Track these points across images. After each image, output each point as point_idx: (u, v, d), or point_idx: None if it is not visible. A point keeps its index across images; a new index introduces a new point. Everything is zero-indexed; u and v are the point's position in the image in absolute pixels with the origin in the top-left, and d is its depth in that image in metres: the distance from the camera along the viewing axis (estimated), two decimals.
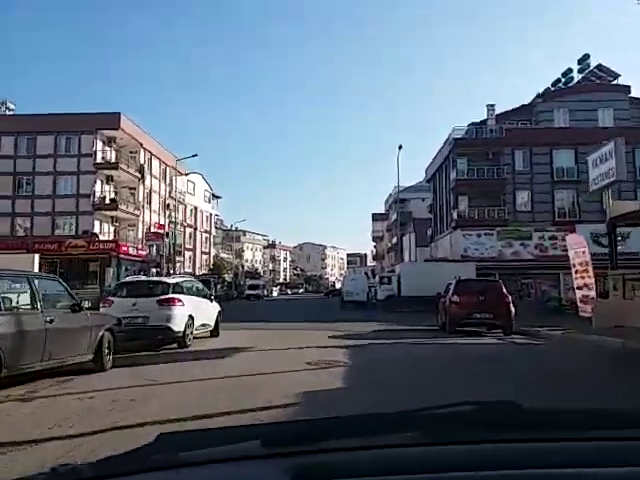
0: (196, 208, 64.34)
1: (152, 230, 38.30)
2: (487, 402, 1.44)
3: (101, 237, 39.76)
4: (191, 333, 11.21)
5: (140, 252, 40.96)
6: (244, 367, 8.17)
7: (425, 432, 1.22)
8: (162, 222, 49.32)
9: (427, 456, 1.08)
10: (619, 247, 31.24)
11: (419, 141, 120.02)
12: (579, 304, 16.72)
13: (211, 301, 13.27)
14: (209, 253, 69.32)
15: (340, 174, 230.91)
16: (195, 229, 64.26)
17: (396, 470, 1.01)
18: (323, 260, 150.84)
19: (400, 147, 35.23)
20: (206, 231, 68.52)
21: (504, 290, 15.27)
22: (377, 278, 32.15)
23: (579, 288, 17.01)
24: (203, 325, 12.26)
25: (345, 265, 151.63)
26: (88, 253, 38.23)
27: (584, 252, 16.84)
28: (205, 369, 8.13)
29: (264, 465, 1.07)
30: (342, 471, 1.02)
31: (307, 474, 1.00)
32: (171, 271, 51.19)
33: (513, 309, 14.45)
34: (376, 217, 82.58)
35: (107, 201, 39.56)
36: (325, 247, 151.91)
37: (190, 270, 60.62)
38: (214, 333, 13.31)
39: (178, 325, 10.69)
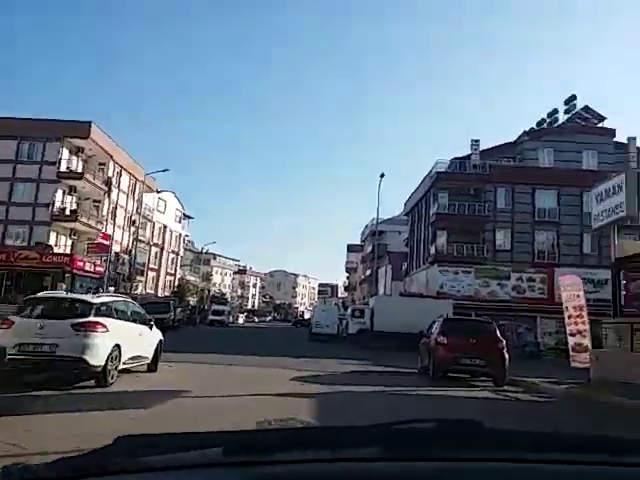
0: (165, 227, 61.80)
1: (96, 240, 35.23)
2: (449, 420, 1.44)
3: (56, 250, 36.93)
4: (115, 368, 8.98)
5: (97, 268, 38.16)
6: (158, 426, 5.95)
7: (388, 447, 1.23)
8: (126, 239, 46.70)
9: (389, 471, 1.09)
10: (594, 294, 30.56)
11: (399, 176, 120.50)
12: (571, 352, 15.10)
13: (150, 328, 11.03)
14: (174, 274, 66.39)
15: (316, 203, 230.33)
16: (162, 249, 61.57)
17: None
18: (294, 289, 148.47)
19: (382, 175, 33.92)
20: (174, 252, 65.85)
21: (497, 333, 13.43)
22: (349, 310, 30.15)
23: (572, 335, 15.41)
24: (136, 358, 10.02)
25: (316, 295, 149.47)
26: (40, 266, 35.33)
27: (579, 295, 15.30)
28: (96, 424, 5.90)
29: (225, 473, 1.07)
30: None
31: None
32: (132, 291, 48.60)
33: (507, 356, 12.55)
34: (351, 248, 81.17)
35: (67, 212, 36.95)
36: (297, 276, 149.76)
37: (152, 291, 57.78)
38: (151, 367, 11.09)
39: (96, 357, 8.49)
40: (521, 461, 1.16)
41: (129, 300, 11.67)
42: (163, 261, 62.04)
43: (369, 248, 63.22)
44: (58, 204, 36.91)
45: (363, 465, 1.11)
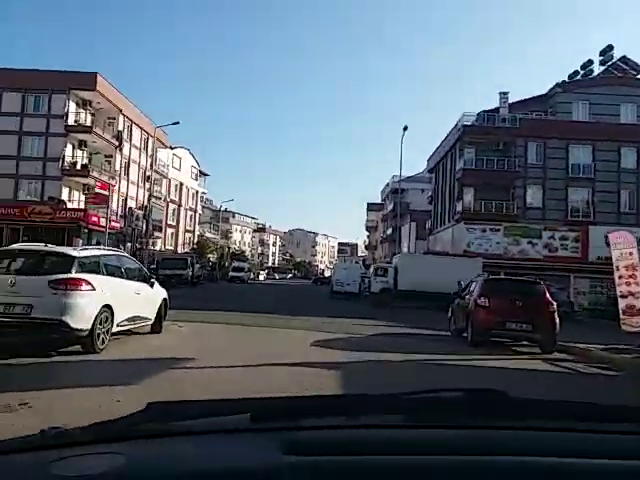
0: (181, 184, 60.65)
1: (95, 191, 33.91)
2: (474, 389, 1.43)
3: (70, 205, 36.04)
4: (107, 332, 7.77)
5: (113, 224, 37.27)
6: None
7: (412, 415, 1.25)
8: (141, 195, 45.65)
9: (412, 438, 1.10)
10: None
11: (421, 131, 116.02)
12: (622, 315, 13.62)
13: (151, 285, 9.79)
14: (193, 232, 65.65)
15: (337, 161, 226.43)
16: (179, 206, 60.63)
17: (383, 450, 1.02)
18: (313, 247, 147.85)
19: (405, 128, 31.83)
20: (191, 209, 64.92)
21: (547, 295, 11.87)
22: (372, 269, 28.81)
23: (623, 296, 13.85)
24: (134, 319, 8.80)
25: (336, 254, 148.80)
26: (54, 221, 34.53)
27: (632, 254, 13.64)
28: (71, 404, 4.72)
29: (253, 439, 1.08)
30: (330, 449, 1.02)
31: (295, 450, 0.99)
32: (150, 247, 47.96)
33: (558, 320, 11.05)
34: (371, 207, 79.31)
35: (78, 167, 35.78)
36: (316, 234, 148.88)
37: (172, 248, 57.22)
38: (155, 328, 9.93)
39: (81, 320, 7.24)
40: (545, 429, 1.16)
41: (124, 254, 10.37)
42: (181, 218, 61.24)
43: (390, 206, 61.42)
44: (68, 159, 35.76)
45: (388, 432, 1.14)
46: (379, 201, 74.22)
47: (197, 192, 67.15)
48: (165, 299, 10.32)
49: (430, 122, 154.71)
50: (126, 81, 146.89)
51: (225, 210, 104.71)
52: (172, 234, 59.50)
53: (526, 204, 35.30)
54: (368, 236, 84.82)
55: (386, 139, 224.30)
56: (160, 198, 52.95)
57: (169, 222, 58.10)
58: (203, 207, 76.52)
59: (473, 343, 11.26)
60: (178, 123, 33.56)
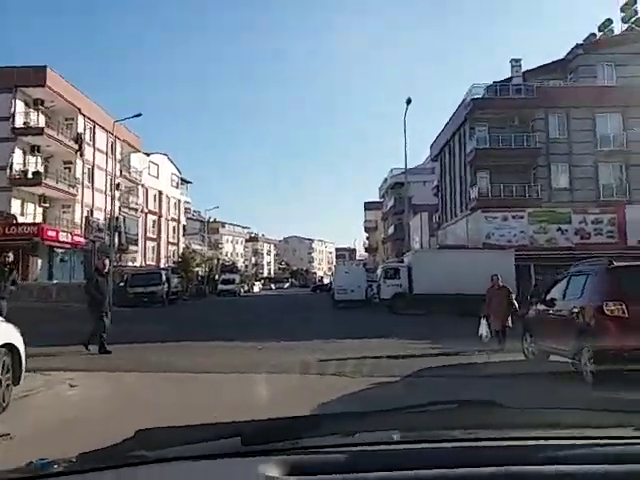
0: (161, 193, 55.73)
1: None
2: (469, 401, 1.41)
3: (23, 220, 30.94)
4: None
5: (76, 238, 32.18)
6: None
7: (408, 430, 1.24)
8: (109, 204, 40.56)
9: (408, 454, 1.08)
10: None
11: (420, 120, 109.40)
12: None
13: None
14: (177, 244, 60.59)
15: (327, 163, 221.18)
16: (160, 216, 55.64)
17: (378, 467, 1.00)
18: (310, 254, 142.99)
19: (409, 101, 26.85)
20: (174, 219, 59.94)
21: None
22: (380, 271, 23.93)
23: None
24: None
25: (334, 259, 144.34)
26: (3, 239, 29.44)
27: None
28: None
29: (245, 463, 1.06)
30: (324, 468, 1.01)
31: (289, 472, 0.99)
32: (124, 263, 42.87)
33: None
34: (369, 206, 74.55)
35: (30, 175, 30.69)
36: (312, 241, 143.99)
37: (153, 263, 52.19)
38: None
39: None
40: (540, 438, 1.15)
41: None
42: (162, 230, 56.22)
43: (390, 202, 56.65)
44: (18, 166, 30.71)
45: (383, 449, 1.11)
46: (377, 199, 69.33)
47: (179, 201, 62.26)
48: (12, 345, 5.37)
49: (429, 108, 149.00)
50: (94, 82, 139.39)
51: (214, 220, 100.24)
52: (153, 247, 54.55)
53: (551, 185, 30.53)
54: (367, 237, 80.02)
55: (379, 138, 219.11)
56: (136, 209, 48.00)
57: (149, 235, 53.18)
58: (189, 218, 71.67)
59: (596, 379, 6.40)
60: (140, 115, 28.53)
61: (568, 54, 33.30)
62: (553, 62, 33.57)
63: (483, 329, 10.19)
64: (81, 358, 9.19)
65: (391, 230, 55.56)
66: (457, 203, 35.53)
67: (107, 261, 11.65)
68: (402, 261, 25.07)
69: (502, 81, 32.13)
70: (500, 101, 31.06)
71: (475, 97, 31.06)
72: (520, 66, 32.46)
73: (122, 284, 29.33)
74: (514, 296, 10.64)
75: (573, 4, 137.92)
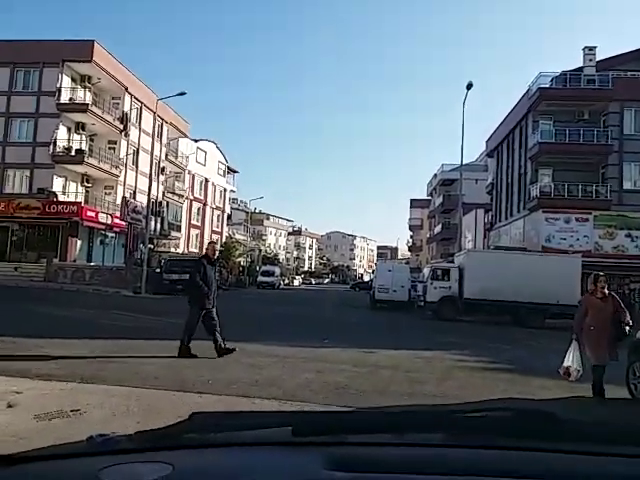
0: (207, 180, 55.10)
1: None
2: (525, 410, 1.38)
3: (64, 198, 30.61)
4: None
5: (117, 221, 31.63)
6: None
7: (456, 433, 1.21)
8: (154, 189, 40.08)
9: (455, 457, 1.07)
10: None
11: (474, 117, 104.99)
12: None
13: None
14: (221, 233, 60.01)
15: (377, 159, 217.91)
16: (205, 204, 55.12)
17: (425, 469, 1.00)
18: (352, 250, 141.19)
19: (469, 86, 24.60)
20: (218, 208, 59.30)
21: None
22: (426, 271, 21.96)
23: None
24: None
25: (375, 257, 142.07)
26: (43, 217, 29.25)
27: None
28: None
29: (295, 453, 1.08)
30: (372, 466, 1.01)
31: (337, 466, 0.98)
32: (165, 249, 42.46)
33: None
34: (415, 203, 71.92)
35: (72, 153, 30.27)
36: (354, 237, 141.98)
37: (196, 250, 51.74)
38: None
39: None
40: (596, 454, 1.10)
41: None
42: (207, 218, 55.74)
43: (438, 200, 54.11)
44: (62, 143, 30.32)
45: (431, 450, 1.10)
46: (424, 196, 66.74)
47: (225, 190, 61.57)
48: None
49: (485, 105, 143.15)
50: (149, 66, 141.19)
51: (259, 212, 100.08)
52: (196, 235, 54.11)
53: (622, 186, 27.66)
54: (412, 236, 77.43)
55: (430, 135, 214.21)
56: (181, 195, 47.53)
57: (193, 222, 52.75)
58: (234, 208, 71.28)
59: None
60: (185, 94, 27.30)
61: None
62: (630, 52, 30.48)
63: (573, 360, 6.31)
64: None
65: (438, 229, 53.12)
66: (514, 202, 33.00)
67: (217, 246, 9.39)
68: (452, 261, 23.03)
69: (572, 70, 29.36)
70: (570, 92, 28.32)
71: (542, 86, 28.45)
72: (594, 54, 29.56)
73: (158, 270, 28.50)
74: (627, 315, 6.47)
75: None
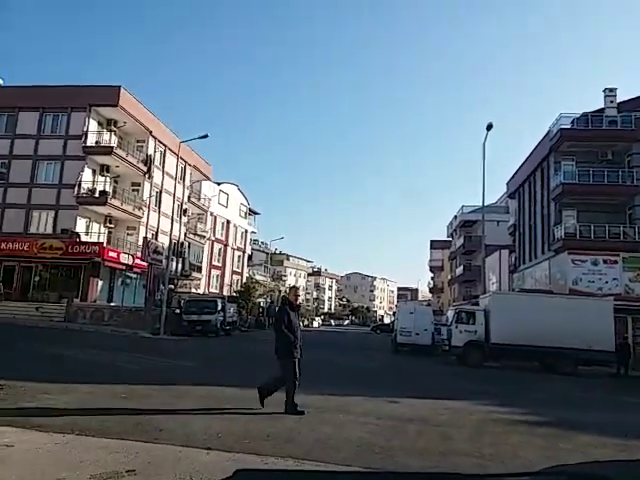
0: (228, 222, 55.66)
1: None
2: (579, 473, 1.31)
3: (87, 239, 30.97)
4: None
5: (138, 261, 31.77)
6: None
7: None
8: (177, 230, 40.45)
9: None
10: None
11: (495, 158, 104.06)
12: None
13: None
14: (241, 273, 60.05)
15: (396, 201, 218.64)
16: (226, 245, 55.45)
17: None
18: (372, 292, 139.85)
19: (489, 127, 24.51)
20: (239, 249, 59.58)
21: None
22: (450, 313, 21.29)
23: None
24: None
25: (395, 299, 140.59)
26: (66, 257, 29.55)
27: None
28: None
29: None
30: None
31: None
32: (186, 289, 42.47)
33: None
34: (435, 244, 71.33)
35: (96, 194, 30.81)
36: (374, 278, 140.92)
37: (217, 290, 51.70)
38: None
39: None
40: None
41: None
42: (228, 258, 55.96)
43: (459, 241, 53.54)
44: (87, 185, 30.93)
45: None
46: (445, 237, 66.18)
47: (246, 231, 62.03)
48: None
49: (505, 146, 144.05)
50: (170, 111, 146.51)
51: (279, 253, 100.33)
52: (217, 276, 54.21)
53: None
54: (432, 277, 76.40)
55: (447, 174, 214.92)
56: (203, 236, 47.90)
57: (214, 262, 52.97)
58: (255, 250, 71.60)
59: None
60: (207, 136, 27.71)
61: None
62: None
63: None
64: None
65: (459, 270, 52.32)
66: (537, 244, 32.33)
67: (299, 291, 8.25)
68: (477, 304, 22.36)
69: (594, 112, 29.18)
70: (592, 132, 28.10)
71: (564, 126, 28.26)
72: (615, 96, 29.41)
73: (177, 311, 28.34)
74: None
75: None
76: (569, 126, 28.72)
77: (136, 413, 6.29)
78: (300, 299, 8.05)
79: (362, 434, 6.06)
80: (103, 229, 32.78)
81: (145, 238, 29.56)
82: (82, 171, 30.70)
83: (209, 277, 51.75)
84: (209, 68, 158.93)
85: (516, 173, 38.30)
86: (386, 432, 6.32)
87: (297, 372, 7.22)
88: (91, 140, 31.27)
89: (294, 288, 8.38)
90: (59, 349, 14.35)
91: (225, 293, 51.34)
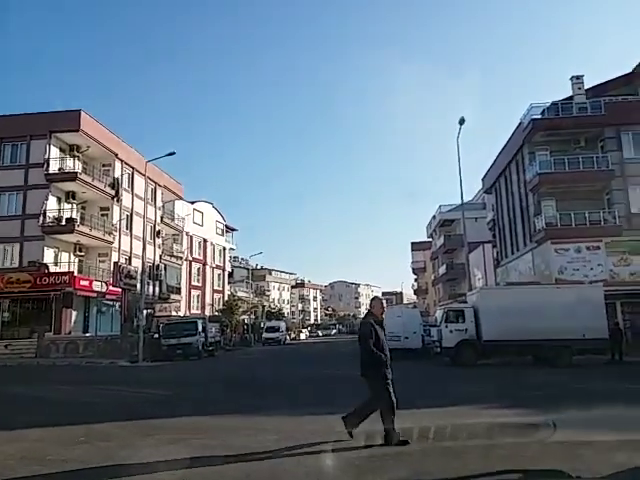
0: (205, 240, 54.53)
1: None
2: (534, 470, 1.41)
3: (56, 269, 29.65)
4: None
5: (113, 288, 30.53)
6: None
7: None
8: (151, 253, 39.25)
9: None
10: None
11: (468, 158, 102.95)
12: None
13: None
14: (222, 291, 58.84)
15: (374, 206, 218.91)
16: (204, 264, 54.23)
17: None
18: (356, 299, 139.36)
19: (462, 122, 24.16)
20: (218, 267, 58.41)
21: None
22: (439, 313, 20.62)
23: None
24: None
25: None
26: (35, 290, 28.20)
27: None
28: None
29: None
30: None
31: None
32: (164, 312, 41.17)
33: None
34: (416, 246, 71.08)
35: (63, 222, 29.57)
36: (358, 285, 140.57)
37: (198, 311, 50.47)
38: None
39: None
40: None
41: None
42: (207, 277, 54.73)
43: (440, 241, 53.30)
44: (52, 213, 29.69)
45: None
46: (425, 239, 65.95)
47: (224, 248, 60.90)
48: None
49: (476, 141, 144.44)
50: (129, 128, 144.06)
51: (260, 268, 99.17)
52: (198, 296, 52.93)
53: (630, 210, 26.75)
54: (416, 279, 76.10)
55: (421, 176, 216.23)
56: (180, 257, 46.72)
57: (193, 283, 51.70)
58: (235, 266, 70.44)
59: None
60: (174, 154, 26.76)
61: (636, 68, 30.04)
62: (617, 78, 30.36)
63: None
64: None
65: (442, 270, 51.99)
66: (519, 236, 32.03)
67: (384, 302, 7.11)
68: (464, 301, 21.76)
69: (563, 100, 29.09)
70: (563, 120, 27.93)
71: (535, 117, 28.09)
72: (582, 83, 29.39)
73: (156, 335, 27.19)
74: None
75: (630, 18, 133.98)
76: (540, 116, 28.56)
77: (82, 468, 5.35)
78: (384, 312, 6.99)
79: (362, 462, 5.25)
80: (73, 258, 31.47)
81: (115, 263, 28.41)
82: (46, 199, 29.47)
83: (189, 298, 50.50)
84: (170, 80, 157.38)
85: (491, 168, 38.15)
86: (388, 458, 5.52)
87: (392, 395, 6.21)
88: (53, 167, 30.10)
89: (378, 300, 6.96)
90: (22, 388, 13.22)
91: (207, 313, 50.18)
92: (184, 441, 6.34)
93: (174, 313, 42.87)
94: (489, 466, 4.97)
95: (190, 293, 50.89)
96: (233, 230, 66.12)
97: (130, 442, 6.41)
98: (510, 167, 33.15)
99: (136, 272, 28.44)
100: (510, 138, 32.35)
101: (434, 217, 57.57)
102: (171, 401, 11.03)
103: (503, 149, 34.29)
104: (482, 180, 41.17)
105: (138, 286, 27.55)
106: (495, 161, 36.79)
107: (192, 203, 52.48)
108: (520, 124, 29.97)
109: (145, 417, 8.04)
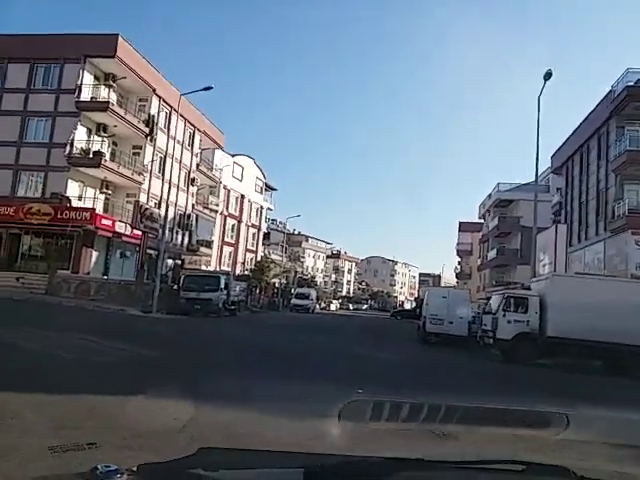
0: (243, 196, 52.13)
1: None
2: (538, 464, 1.34)
3: (80, 204, 27.83)
4: None
5: (135, 231, 28.54)
6: None
7: None
8: (183, 201, 37.20)
9: None
10: None
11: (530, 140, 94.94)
12: None
13: None
14: (256, 252, 56.73)
15: (421, 183, 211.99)
16: (240, 221, 52.05)
17: None
18: (392, 277, 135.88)
19: (548, 75, 20.26)
20: (254, 226, 56.13)
21: None
22: (494, 300, 17.47)
23: None
24: None
25: (417, 284, 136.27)
26: (55, 224, 26.46)
27: None
28: None
29: None
30: None
31: None
32: (192, 265, 39.36)
33: None
34: (464, 227, 66.90)
35: (90, 155, 27.54)
36: (395, 263, 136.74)
37: (229, 268, 48.56)
38: None
39: None
40: None
41: None
42: (242, 235, 52.59)
43: (493, 223, 49.22)
44: (80, 144, 27.66)
45: None
46: (476, 219, 61.72)
47: (262, 207, 58.47)
48: None
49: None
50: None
51: (298, 233, 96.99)
52: (230, 253, 50.94)
53: None
54: (460, 262, 72.15)
55: (475, 152, 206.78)
56: (215, 210, 44.64)
57: (226, 239, 49.66)
58: (271, 228, 68.23)
59: None
60: (211, 88, 24.01)
61: None
62: None
63: None
64: None
65: (492, 254, 48.13)
66: (590, 224, 28.16)
67: None
68: (529, 288, 18.46)
69: None
70: None
71: (630, 84, 23.92)
72: None
73: (175, 287, 25.11)
74: None
75: None
76: (635, 84, 24.36)
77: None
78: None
79: None
80: (100, 195, 29.58)
81: (137, 202, 26.19)
82: (75, 129, 27.44)
83: (221, 254, 48.55)
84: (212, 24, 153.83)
85: (563, 145, 33.95)
86: None
87: None
88: (85, 95, 27.95)
89: None
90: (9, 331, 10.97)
91: (238, 271, 48.29)
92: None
93: (203, 267, 41.01)
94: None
95: (222, 249, 48.96)
96: (273, 190, 63.63)
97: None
98: (589, 143, 29.04)
99: (160, 216, 26.21)
100: (594, 110, 28.17)
101: (489, 196, 53.31)
102: (163, 367, 8.50)
103: (582, 123, 30.11)
104: (551, 158, 36.93)
105: (160, 231, 25.33)
106: (568, 138, 32.59)
107: (232, 156, 50.04)
108: (610, 92, 25.80)
109: (117, 393, 5.47)
